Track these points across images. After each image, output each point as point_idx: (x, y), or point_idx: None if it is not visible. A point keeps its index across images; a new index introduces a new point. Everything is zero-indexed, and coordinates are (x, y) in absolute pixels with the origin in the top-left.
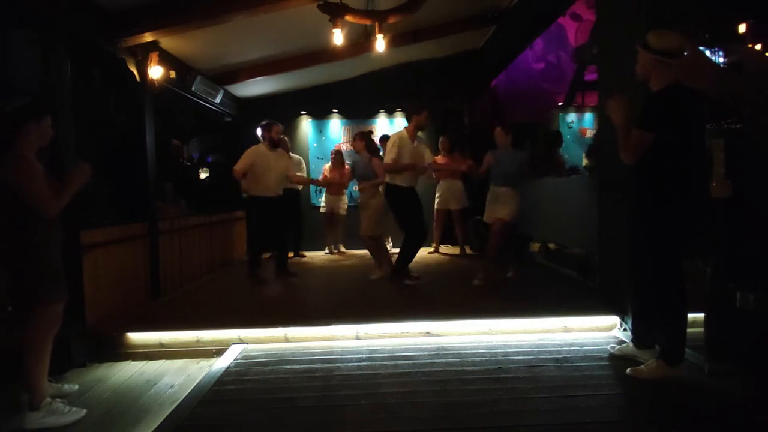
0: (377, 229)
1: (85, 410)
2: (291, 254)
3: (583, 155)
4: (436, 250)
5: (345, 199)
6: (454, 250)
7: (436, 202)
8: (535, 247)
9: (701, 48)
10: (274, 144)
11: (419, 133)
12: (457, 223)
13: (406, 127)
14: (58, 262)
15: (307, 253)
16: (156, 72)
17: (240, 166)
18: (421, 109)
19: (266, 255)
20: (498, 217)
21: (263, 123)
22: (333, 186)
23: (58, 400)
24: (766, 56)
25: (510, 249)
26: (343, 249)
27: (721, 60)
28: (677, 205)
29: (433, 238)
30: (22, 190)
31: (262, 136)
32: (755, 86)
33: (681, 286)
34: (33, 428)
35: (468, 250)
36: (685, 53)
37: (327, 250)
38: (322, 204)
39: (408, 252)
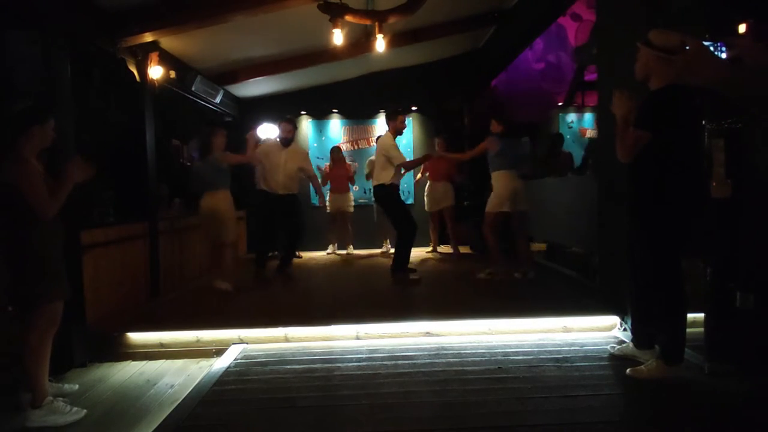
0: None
1: (85, 411)
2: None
3: (581, 158)
4: (434, 250)
5: (351, 195)
6: (449, 249)
7: (425, 203)
8: (541, 246)
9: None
10: (285, 141)
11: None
12: (449, 222)
13: (387, 132)
14: (59, 261)
15: (306, 254)
16: (156, 72)
17: (251, 152)
18: (395, 115)
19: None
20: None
21: (280, 119)
22: (336, 184)
23: (60, 399)
24: (764, 49)
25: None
26: (352, 251)
27: (724, 55)
28: (675, 204)
29: (430, 239)
30: (23, 191)
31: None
32: (758, 80)
33: (680, 286)
34: (34, 426)
35: (467, 250)
36: (687, 48)
37: (329, 250)
38: (328, 203)
39: (406, 250)
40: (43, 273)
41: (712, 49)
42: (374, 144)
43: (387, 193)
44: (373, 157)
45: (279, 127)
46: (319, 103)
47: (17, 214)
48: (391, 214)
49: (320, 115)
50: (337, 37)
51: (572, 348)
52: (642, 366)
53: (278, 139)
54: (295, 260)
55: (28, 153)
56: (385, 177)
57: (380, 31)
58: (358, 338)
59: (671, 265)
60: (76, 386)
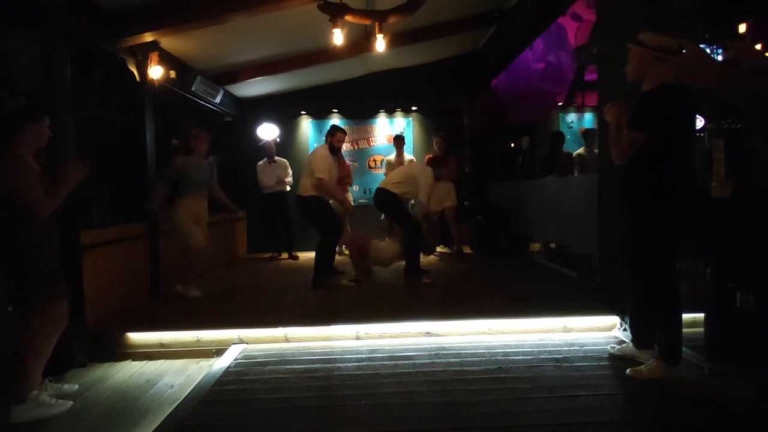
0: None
1: (71, 402)
2: (285, 255)
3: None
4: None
5: (350, 195)
6: (447, 249)
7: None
8: (536, 247)
9: (701, 45)
10: (333, 149)
11: None
12: (452, 222)
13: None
14: (56, 261)
15: (303, 254)
16: (156, 72)
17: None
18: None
19: (267, 254)
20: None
21: (331, 126)
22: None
23: (45, 392)
24: (759, 52)
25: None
26: (345, 251)
27: (720, 58)
28: (669, 204)
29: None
30: (17, 190)
31: (325, 138)
32: (755, 82)
33: (675, 286)
34: (23, 422)
35: (467, 250)
36: (684, 51)
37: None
38: None
39: (416, 250)
40: (40, 275)
41: (708, 51)
42: (374, 144)
43: (390, 198)
44: (397, 163)
45: (334, 136)
46: (319, 103)
47: (13, 214)
48: (393, 214)
49: (320, 115)
50: (337, 37)
51: (572, 348)
52: (642, 366)
53: (330, 147)
54: (293, 261)
55: (24, 152)
56: (389, 185)
57: (380, 31)
58: (358, 338)
59: (665, 264)
60: (76, 386)
